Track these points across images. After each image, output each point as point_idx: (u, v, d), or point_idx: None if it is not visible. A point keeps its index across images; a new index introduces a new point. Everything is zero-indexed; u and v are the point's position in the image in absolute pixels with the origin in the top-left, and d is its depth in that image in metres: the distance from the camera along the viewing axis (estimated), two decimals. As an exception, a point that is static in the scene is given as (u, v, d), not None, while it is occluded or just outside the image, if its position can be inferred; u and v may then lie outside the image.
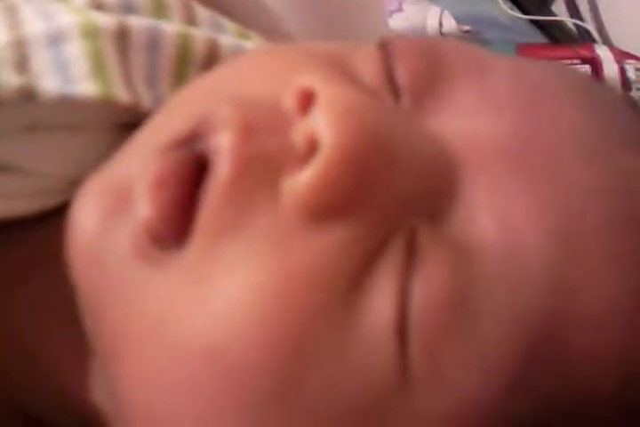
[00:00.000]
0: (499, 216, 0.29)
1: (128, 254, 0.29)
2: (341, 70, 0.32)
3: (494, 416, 0.28)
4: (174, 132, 0.30)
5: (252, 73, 0.33)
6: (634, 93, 1.22)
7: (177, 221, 0.29)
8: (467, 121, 0.30)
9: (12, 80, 0.32)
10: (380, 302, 0.28)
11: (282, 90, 0.30)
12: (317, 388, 0.28)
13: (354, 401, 0.28)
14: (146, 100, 0.34)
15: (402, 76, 0.32)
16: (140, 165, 0.30)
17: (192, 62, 0.37)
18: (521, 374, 0.28)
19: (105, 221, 0.30)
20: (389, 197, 0.29)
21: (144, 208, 0.29)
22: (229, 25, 0.40)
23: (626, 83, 1.23)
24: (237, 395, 0.28)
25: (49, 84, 0.33)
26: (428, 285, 0.28)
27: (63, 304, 0.32)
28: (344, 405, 0.28)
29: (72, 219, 0.31)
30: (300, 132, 0.29)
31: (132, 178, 0.30)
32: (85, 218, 0.30)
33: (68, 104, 0.33)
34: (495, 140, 0.30)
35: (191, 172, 0.29)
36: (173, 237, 0.29)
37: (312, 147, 0.28)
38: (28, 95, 0.32)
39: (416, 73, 0.32)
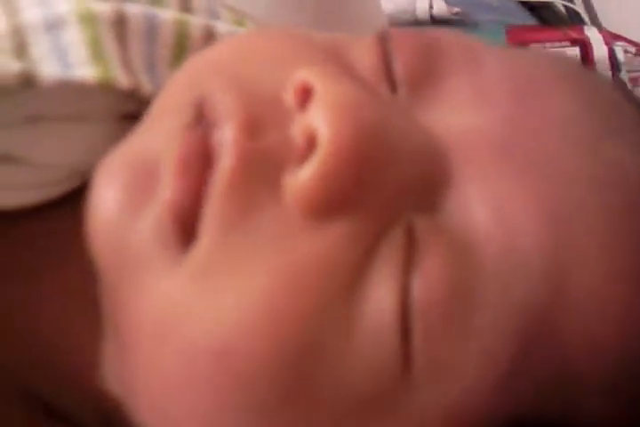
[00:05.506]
0: (491, 205, 0.29)
1: (150, 240, 0.29)
2: (339, 62, 0.32)
3: (495, 402, 0.29)
4: (182, 115, 0.30)
5: (254, 58, 0.33)
6: (623, 75, 1.22)
7: (185, 222, 0.29)
8: (460, 114, 0.31)
9: (11, 66, 0.32)
10: (382, 293, 0.28)
11: (282, 82, 0.31)
12: (326, 381, 0.28)
13: (360, 392, 0.28)
14: (146, 85, 0.35)
15: (399, 68, 0.32)
16: (160, 144, 0.30)
17: (189, 49, 0.37)
18: (519, 360, 0.29)
19: (127, 205, 0.30)
20: (387, 191, 0.29)
21: (169, 193, 0.29)
22: (224, 12, 0.40)
23: (615, 64, 1.23)
24: (248, 393, 0.28)
25: (49, 69, 0.33)
26: (427, 276, 0.28)
27: (76, 288, 0.32)
28: (351, 396, 0.28)
29: (91, 198, 0.30)
30: (298, 128, 0.29)
31: (151, 159, 0.30)
32: (106, 197, 0.30)
33: (69, 92, 0.33)
34: (486, 133, 0.30)
35: (207, 154, 0.29)
36: (181, 239, 0.29)
37: (311, 143, 0.29)
38: (28, 81, 0.32)
39: (413, 66, 0.32)
